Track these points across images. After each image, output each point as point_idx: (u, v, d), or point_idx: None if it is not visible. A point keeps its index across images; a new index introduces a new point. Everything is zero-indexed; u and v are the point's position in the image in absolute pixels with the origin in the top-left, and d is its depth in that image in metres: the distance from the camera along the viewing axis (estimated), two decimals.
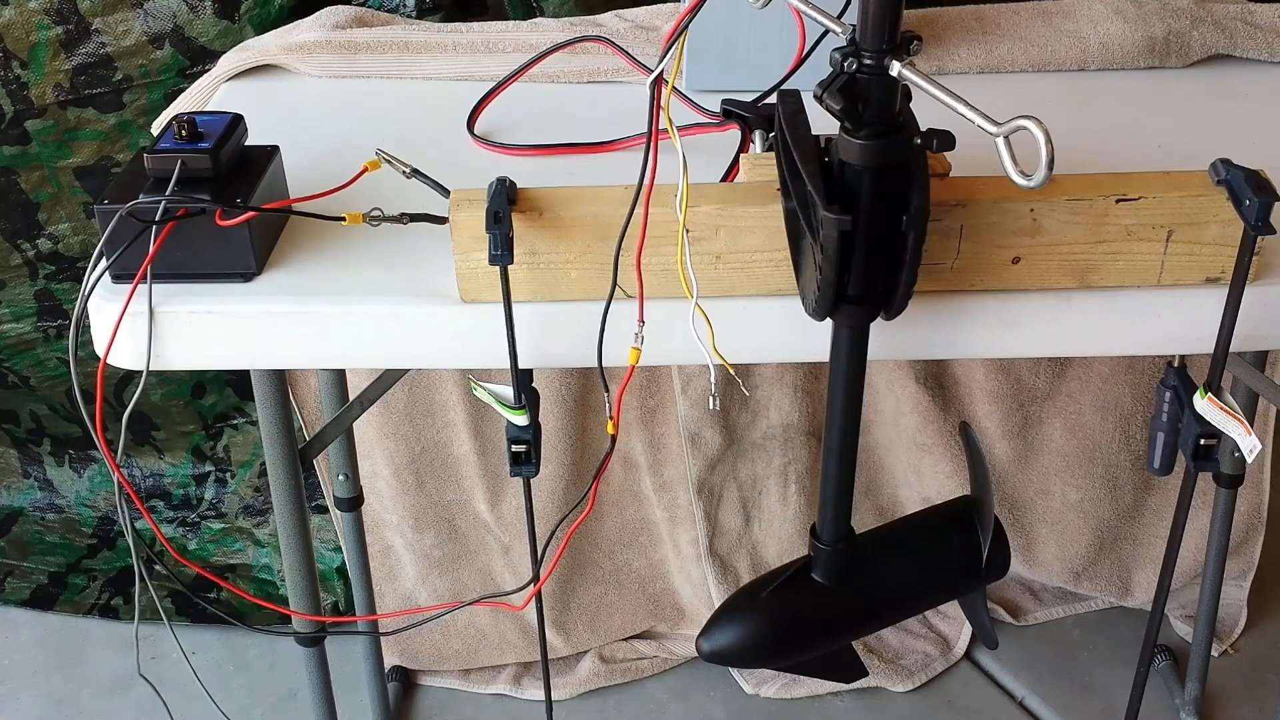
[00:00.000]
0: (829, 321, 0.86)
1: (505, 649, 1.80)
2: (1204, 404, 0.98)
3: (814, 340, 0.90)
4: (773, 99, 0.99)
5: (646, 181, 0.84)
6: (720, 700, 1.77)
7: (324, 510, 1.79)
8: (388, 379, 1.21)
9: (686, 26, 0.80)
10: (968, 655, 1.81)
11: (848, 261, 0.81)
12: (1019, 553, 1.81)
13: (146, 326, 0.91)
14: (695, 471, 1.71)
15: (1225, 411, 0.97)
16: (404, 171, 1.00)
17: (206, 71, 1.33)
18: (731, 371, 0.90)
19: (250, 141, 0.99)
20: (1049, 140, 0.69)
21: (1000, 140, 0.71)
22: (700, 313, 0.88)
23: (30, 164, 1.52)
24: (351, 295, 0.93)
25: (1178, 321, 0.94)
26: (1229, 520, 1.58)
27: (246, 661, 1.83)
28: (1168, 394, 1.05)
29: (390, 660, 1.78)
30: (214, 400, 1.80)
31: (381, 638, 1.68)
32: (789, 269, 0.89)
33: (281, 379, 1.07)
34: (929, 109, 0.77)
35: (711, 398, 0.94)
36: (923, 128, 0.78)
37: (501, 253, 0.86)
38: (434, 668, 1.80)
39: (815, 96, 0.77)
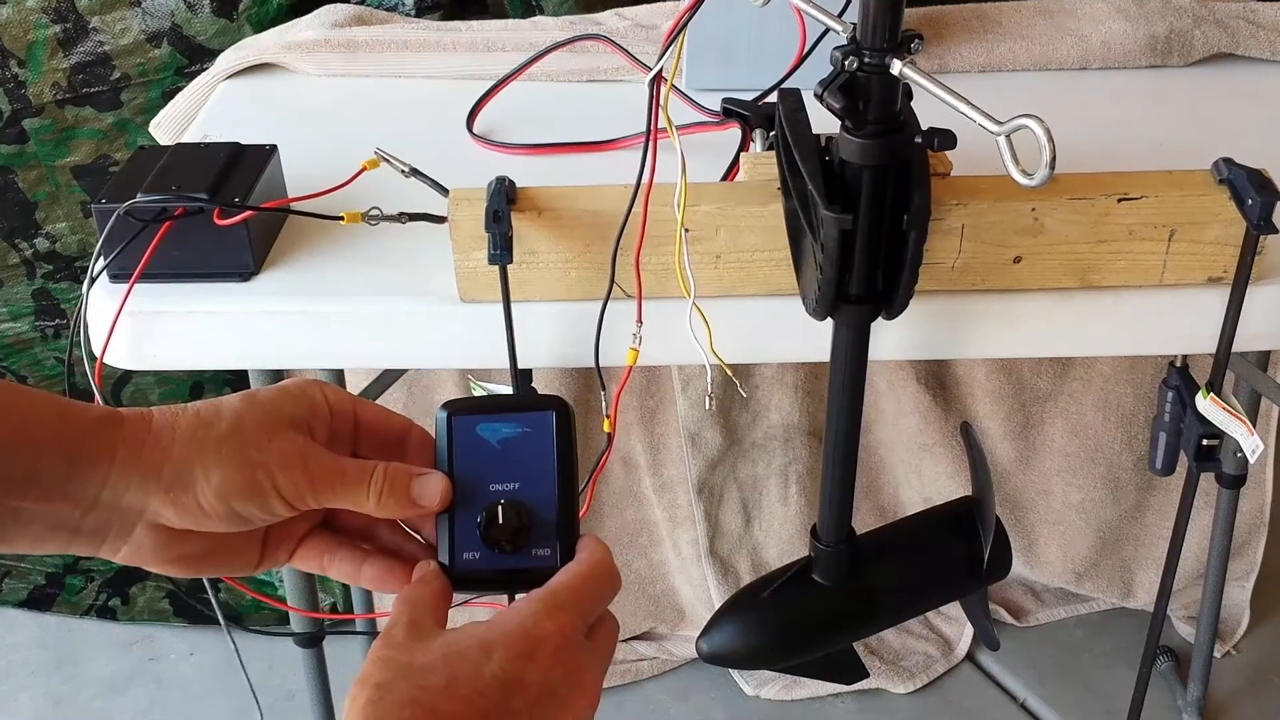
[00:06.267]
0: (829, 321, 0.86)
1: None
2: (1206, 404, 0.98)
3: (814, 340, 0.90)
4: (773, 98, 0.99)
5: (645, 180, 0.84)
6: (720, 702, 1.76)
7: None
8: (387, 379, 1.21)
9: (685, 25, 0.80)
10: (969, 656, 1.81)
11: (848, 261, 0.80)
12: (1020, 553, 1.81)
13: (144, 326, 0.90)
14: (695, 472, 1.70)
15: (1227, 411, 0.97)
16: (403, 170, 1.00)
17: (205, 70, 1.33)
18: (729, 372, 0.89)
19: (248, 140, 0.99)
20: (1050, 139, 0.69)
21: (1002, 139, 0.71)
22: (698, 312, 0.87)
23: (28, 163, 1.51)
24: (350, 295, 0.93)
25: (1180, 321, 0.93)
26: (1231, 521, 1.58)
27: (245, 662, 1.82)
28: (1170, 394, 1.04)
29: None
30: None
31: None
32: (789, 269, 0.89)
33: (280, 379, 1.06)
34: (930, 108, 0.76)
35: (708, 399, 0.93)
36: (924, 126, 0.78)
37: (501, 252, 0.86)
38: None
39: (816, 95, 0.76)
